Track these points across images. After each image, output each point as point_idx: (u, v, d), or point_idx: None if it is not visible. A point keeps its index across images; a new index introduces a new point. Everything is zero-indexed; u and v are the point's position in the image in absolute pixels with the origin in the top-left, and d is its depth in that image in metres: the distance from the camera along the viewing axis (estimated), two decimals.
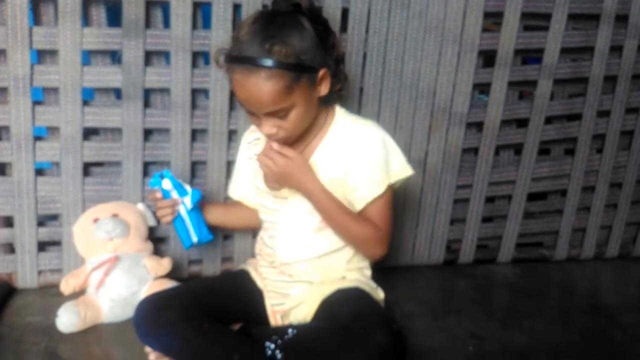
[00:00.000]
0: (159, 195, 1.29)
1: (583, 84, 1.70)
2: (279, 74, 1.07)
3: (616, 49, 1.67)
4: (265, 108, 1.11)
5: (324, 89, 1.17)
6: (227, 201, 1.49)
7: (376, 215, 1.23)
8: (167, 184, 1.29)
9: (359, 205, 1.23)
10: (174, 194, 1.30)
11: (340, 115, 1.25)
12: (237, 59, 1.10)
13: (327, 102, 1.23)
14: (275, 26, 1.09)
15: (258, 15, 1.14)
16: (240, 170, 1.39)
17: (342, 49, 1.24)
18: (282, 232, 1.28)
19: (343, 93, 1.25)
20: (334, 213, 1.21)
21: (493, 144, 1.67)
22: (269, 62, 1.06)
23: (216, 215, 1.37)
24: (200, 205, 1.33)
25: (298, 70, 1.09)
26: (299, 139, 1.22)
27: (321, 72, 1.14)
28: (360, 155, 1.21)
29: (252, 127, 1.36)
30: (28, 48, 1.35)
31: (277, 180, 1.22)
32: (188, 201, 1.30)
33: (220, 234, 1.56)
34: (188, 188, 1.31)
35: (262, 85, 1.07)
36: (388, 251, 1.63)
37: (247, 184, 1.36)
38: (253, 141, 1.35)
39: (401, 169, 1.25)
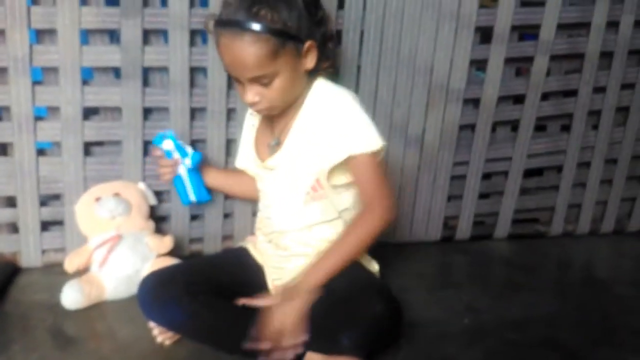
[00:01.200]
0: (159, 153, 1.34)
1: (579, 60, 1.70)
2: (263, 38, 1.09)
3: (613, 25, 1.67)
4: (249, 72, 1.12)
5: (309, 62, 1.17)
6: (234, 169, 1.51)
7: (365, 185, 1.20)
8: (168, 144, 1.34)
9: (326, 168, 1.21)
10: (176, 155, 1.35)
11: (317, 84, 1.24)
12: (224, 23, 1.12)
13: (313, 78, 1.24)
14: None
15: None
16: (243, 139, 1.42)
17: (332, 27, 1.25)
18: (274, 200, 1.31)
19: (330, 71, 1.26)
20: (337, 264, 1.18)
21: (490, 121, 1.68)
22: (254, 26, 1.08)
23: (215, 178, 1.42)
24: (200, 168, 1.39)
25: (283, 37, 1.10)
26: (282, 112, 1.23)
27: (307, 44, 1.15)
28: (328, 120, 1.19)
29: None
30: (27, 28, 1.35)
31: (294, 322, 1.13)
32: (188, 161, 1.35)
33: (220, 213, 1.58)
34: (189, 150, 1.37)
35: (247, 48, 1.09)
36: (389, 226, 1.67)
37: (245, 153, 1.39)
38: (253, 112, 1.36)
39: (370, 142, 1.19)
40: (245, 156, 1.40)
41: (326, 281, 1.18)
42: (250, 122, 1.39)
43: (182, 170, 1.37)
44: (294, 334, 1.10)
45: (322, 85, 1.24)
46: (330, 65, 1.25)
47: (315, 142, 1.22)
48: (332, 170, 1.22)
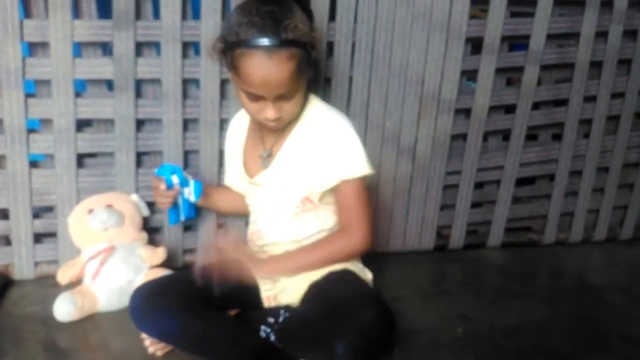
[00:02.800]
0: (163, 186, 1.31)
1: (569, 70, 1.72)
2: (296, 52, 1.10)
3: (601, 35, 1.69)
4: (282, 88, 1.12)
5: (312, 71, 1.19)
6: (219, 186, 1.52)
7: (347, 210, 1.23)
8: (175, 179, 1.32)
9: (318, 190, 1.23)
10: (177, 186, 1.33)
11: (315, 104, 1.26)
12: (254, 44, 1.09)
13: (308, 93, 1.25)
14: (281, 7, 1.12)
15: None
16: (227, 156, 1.42)
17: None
18: (264, 215, 1.31)
19: (312, 84, 1.27)
20: (303, 264, 1.23)
21: (481, 130, 1.69)
22: (291, 42, 1.09)
23: (206, 199, 1.40)
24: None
25: (309, 47, 1.12)
26: None
27: (313, 53, 1.16)
28: (324, 143, 1.21)
29: (239, 114, 1.39)
30: (19, 41, 1.36)
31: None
32: (191, 194, 1.35)
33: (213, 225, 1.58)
34: (189, 178, 1.35)
35: (283, 64, 1.09)
36: (379, 237, 1.69)
37: (235, 169, 1.39)
38: (238, 128, 1.38)
39: (361, 167, 1.22)
40: (234, 172, 1.40)
41: (278, 276, 1.24)
42: (236, 137, 1.38)
43: (178, 197, 1.36)
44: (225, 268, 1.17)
45: (319, 106, 1.26)
46: (315, 76, 1.27)
47: (308, 161, 1.23)
48: (323, 192, 1.24)
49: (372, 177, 1.28)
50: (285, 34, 1.09)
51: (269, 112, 1.16)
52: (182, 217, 1.38)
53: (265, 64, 1.09)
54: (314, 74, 1.22)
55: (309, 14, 1.20)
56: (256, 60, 1.10)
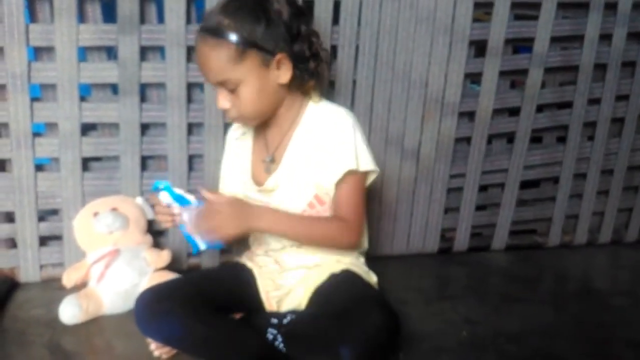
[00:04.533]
0: (157, 200, 1.26)
1: (573, 72, 1.72)
2: (224, 43, 1.14)
3: (605, 37, 1.69)
4: (212, 76, 1.18)
5: (283, 76, 1.19)
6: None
7: (344, 202, 1.24)
8: (165, 196, 1.23)
9: (329, 184, 1.24)
10: (174, 206, 1.23)
11: (312, 103, 1.27)
12: (199, 28, 1.20)
13: (301, 93, 1.25)
14: (236, 4, 1.16)
15: None
16: (227, 165, 1.41)
17: (317, 47, 1.24)
18: None
19: (316, 93, 1.27)
20: (294, 227, 1.22)
21: (485, 133, 1.69)
22: (215, 31, 1.14)
23: None
24: None
25: (244, 45, 1.14)
26: (272, 127, 1.26)
27: (278, 57, 1.17)
28: (328, 136, 1.22)
29: (235, 125, 1.39)
30: (25, 45, 1.37)
31: (229, 230, 1.17)
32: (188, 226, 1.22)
33: None
34: (192, 198, 1.24)
35: (209, 52, 1.16)
36: (383, 240, 1.69)
37: (234, 179, 1.38)
38: (240, 136, 1.38)
39: (367, 161, 1.23)
40: (233, 182, 1.37)
41: (272, 233, 1.24)
42: (241, 144, 1.37)
43: (186, 220, 1.23)
44: (215, 231, 1.16)
45: (319, 104, 1.27)
46: (317, 85, 1.26)
47: (315, 159, 1.23)
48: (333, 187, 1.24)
49: (376, 180, 1.29)
50: (216, 26, 1.15)
51: (218, 101, 1.22)
52: (202, 246, 1.23)
53: (197, 48, 1.19)
54: (299, 83, 1.21)
55: (288, 20, 1.18)
56: (196, 41, 1.20)
